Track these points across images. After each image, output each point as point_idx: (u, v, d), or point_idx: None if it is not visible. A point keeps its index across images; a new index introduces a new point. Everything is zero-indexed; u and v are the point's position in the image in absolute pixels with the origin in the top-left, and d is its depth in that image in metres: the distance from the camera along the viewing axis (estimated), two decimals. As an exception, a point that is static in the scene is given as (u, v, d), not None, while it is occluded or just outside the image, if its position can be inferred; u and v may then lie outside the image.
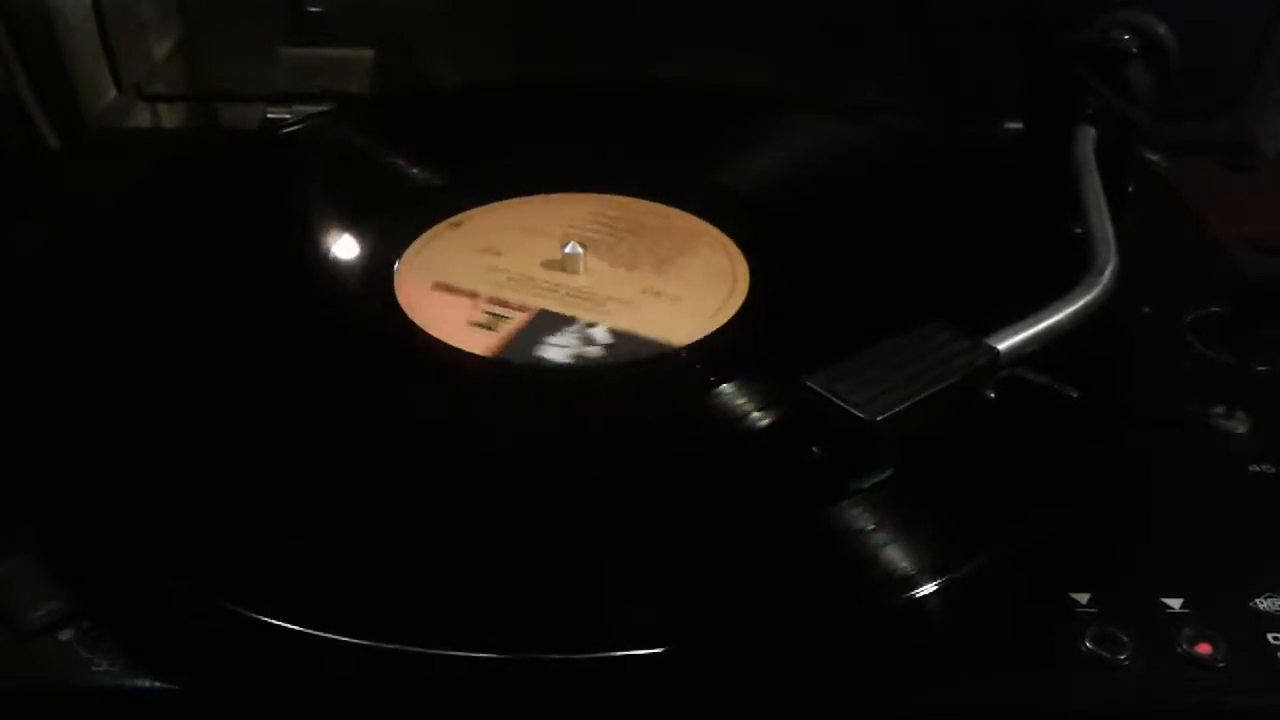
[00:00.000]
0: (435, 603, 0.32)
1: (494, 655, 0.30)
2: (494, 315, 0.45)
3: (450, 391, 0.42)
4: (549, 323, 0.44)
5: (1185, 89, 0.53)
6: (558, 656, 0.30)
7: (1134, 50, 0.52)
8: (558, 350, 0.43)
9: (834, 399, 0.35)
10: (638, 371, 0.42)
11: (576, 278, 0.47)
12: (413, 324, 0.44)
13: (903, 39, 0.68)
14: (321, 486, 0.36)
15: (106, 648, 0.33)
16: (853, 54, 0.68)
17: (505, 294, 0.46)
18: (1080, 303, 0.40)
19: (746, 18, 0.68)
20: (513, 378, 0.42)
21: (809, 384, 0.35)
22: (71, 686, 0.32)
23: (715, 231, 0.50)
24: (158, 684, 0.32)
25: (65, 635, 0.33)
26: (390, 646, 0.30)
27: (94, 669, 0.32)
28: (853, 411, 0.34)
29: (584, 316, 0.45)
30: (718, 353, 0.43)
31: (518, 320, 0.44)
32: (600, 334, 0.44)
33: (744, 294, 0.46)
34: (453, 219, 0.51)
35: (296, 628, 0.30)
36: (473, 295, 0.46)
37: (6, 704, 0.32)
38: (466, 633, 0.30)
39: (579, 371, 0.42)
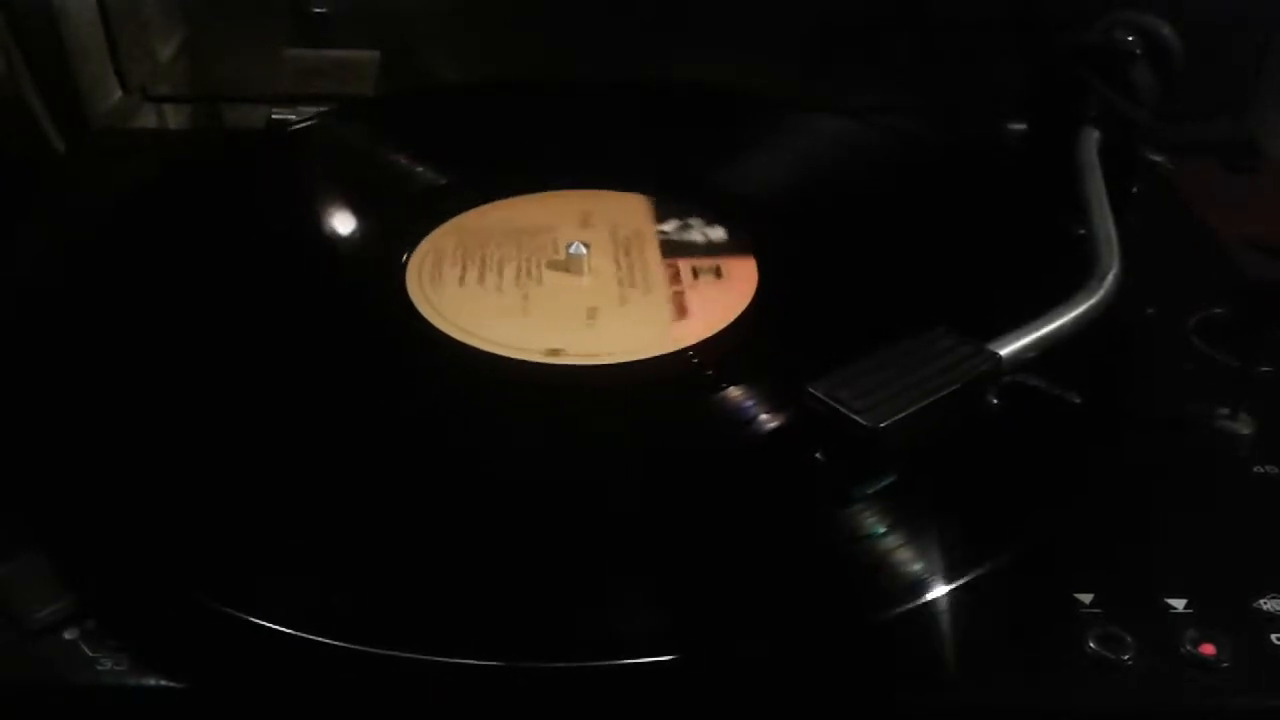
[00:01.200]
0: (433, 609, 0.32)
1: (496, 663, 0.30)
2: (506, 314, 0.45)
3: (463, 391, 0.42)
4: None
5: (1188, 90, 0.53)
6: (561, 665, 0.30)
7: (1137, 51, 0.52)
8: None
9: (837, 406, 0.35)
10: (642, 375, 0.42)
11: (581, 278, 0.47)
12: (426, 321, 0.44)
13: (906, 40, 0.68)
14: (328, 490, 0.36)
15: (111, 647, 0.33)
16: (856, 55, 0.68)
17: (513, 293, 0.46)
18: (1083, 307, 0.40)
19: (749, 18, 0.68)
20: (524, 379, 0.42)
21: (811, 390, 0.35)
22: (76, 686, 0.32)
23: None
24: (162, 683, 0.32)
25: (70, 634, 0.33)
26: (396, 654, 0.30)
27: (98, 668, 0.32)
28: (855, 418, 0.34)
29: (590, 316, 0.45)
30: (722, 356, 0.43)
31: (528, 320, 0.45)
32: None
33: (752, 287, 0.46)
34: (458, 218, 0.51)
35: (300, 634, 0.30)
36: (483, 293, 0.46)
37: (11, 703, 0.33)
38: (465, 640, 0.30)
39: (585, 373, 0.42)
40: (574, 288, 0.47)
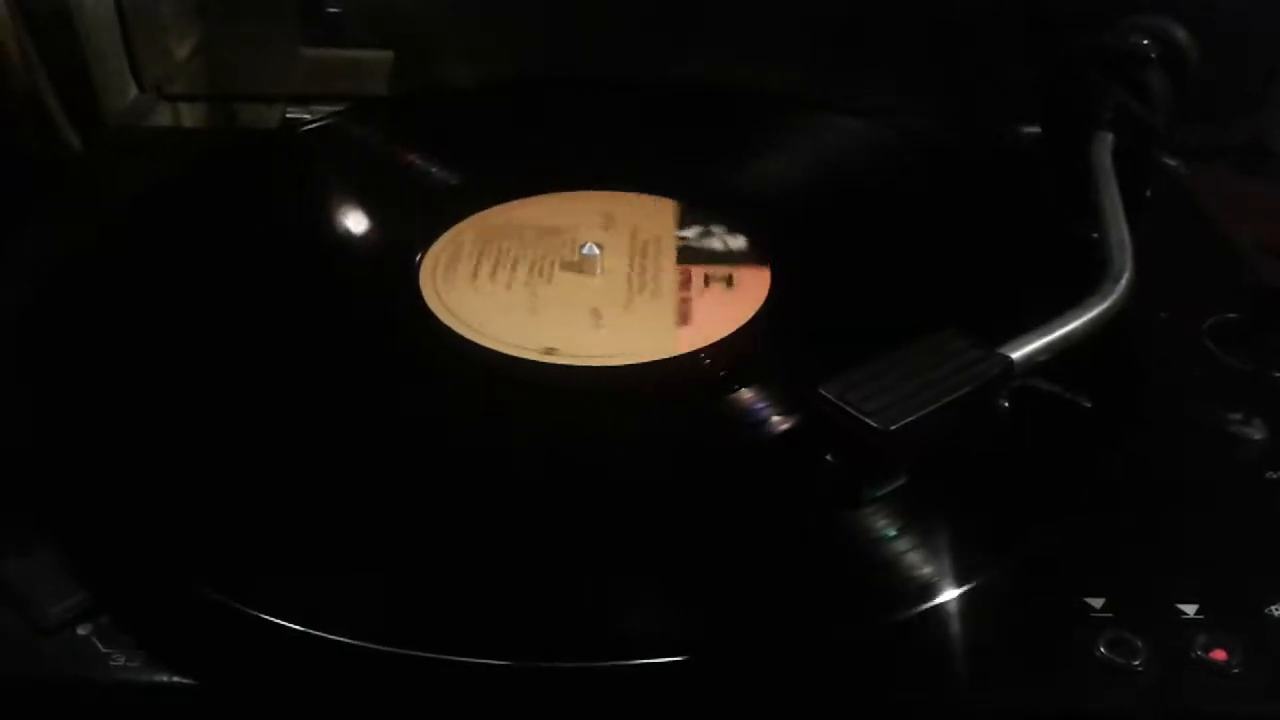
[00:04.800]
0: (446, 608, 0.32)
1: (506, 663, 0.30)
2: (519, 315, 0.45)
3: (477, 391, 0.42)
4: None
5: (1203, 93, 0.53)
6: (570, 665, 0.30)
7: (1152, 55, 0.52)
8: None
9: (847, 408, 0.35)
10: (653, 376, 0.42)
11: (594, 278, 0.47)
12: (440, 322, 0.44)
13: (920, 42, 0.68)
14: (341, 488, 0.36)
15: (125, 643, 0.33)
16: (869, 57, 0.68)
17: (526, 293, 0.46)
18: (1096, 311, 0.40)
19: (763, 18, 0.68)
20: (533, 378, 0.42)
21: (822, 392, 0.35)
22: (90, 681, 0.32)
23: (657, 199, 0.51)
24: (175, 679, 0.32)
25: (84, 630, 0.33)
26: (408, 652, 0.30)
27: (112, 664, 0.32)
28: (866, 421, 0.34)
29: (605, 316, 0.45)
30: (733, 358, 0.43)
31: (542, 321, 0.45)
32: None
33: (760, 299, 0.46)
34: (472, 218, 0.51)
35: (313, 631, 0.30)
36: (496, 294, 0.46)
37: (25, 698, 0.33)
38: (477, 640, 0.31)
39: (596, 373, 0.42)
40: (584, 288, 0.47)
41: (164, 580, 0.33)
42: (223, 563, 0.33)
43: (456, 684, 0.30)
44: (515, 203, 0.53)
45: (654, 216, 0.52)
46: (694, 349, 0.43)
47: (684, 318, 0.45)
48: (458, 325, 0.44)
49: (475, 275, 0.47)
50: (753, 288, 0.47)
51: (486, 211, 0.52)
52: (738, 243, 0.49)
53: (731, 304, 0.46)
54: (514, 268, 0.48)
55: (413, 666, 0.30)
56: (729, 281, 0.47)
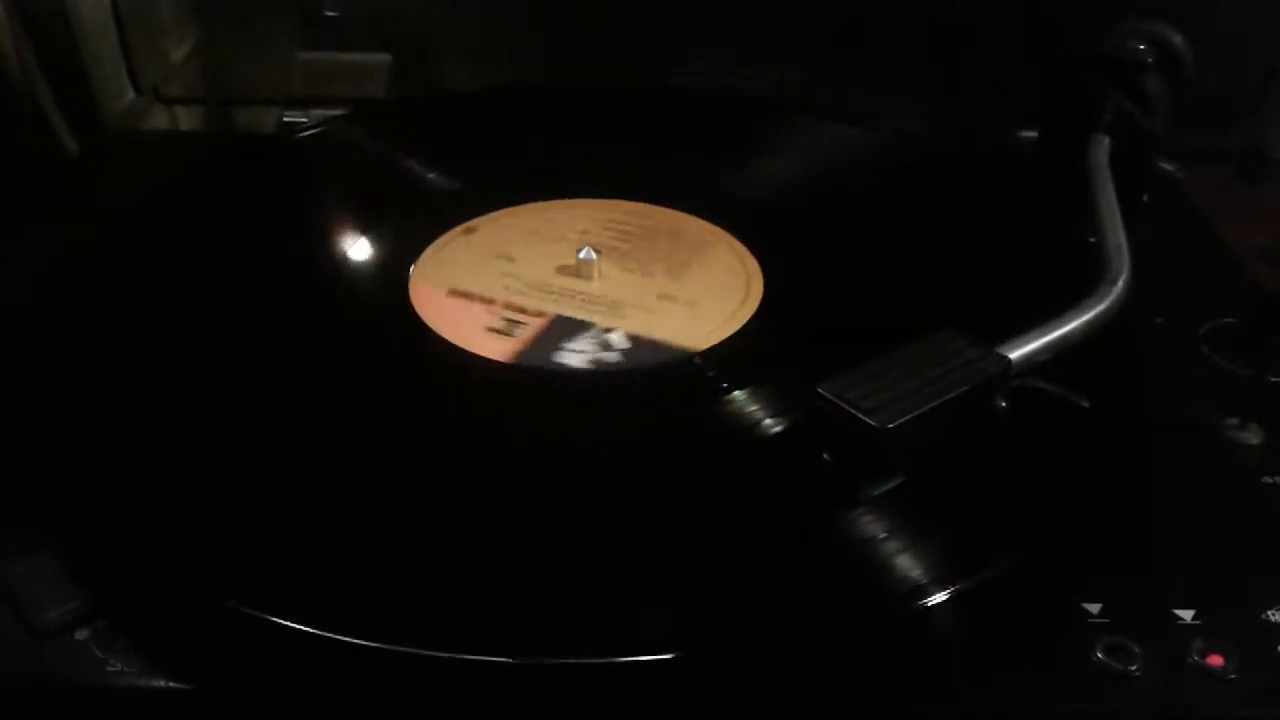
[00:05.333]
0: (445, 607, 0.32)
1: (505, 659, 0.30)
2: (511, 321, 0.45)
3: (465, 397, 0.42)
4: (565, 328, 0.44)
5: (1200, 98, 0.53)
6: (567, 661, 0.30)
7: (1150, 60, 0.52)
8: (576, 355, 0.43)
9: (845, 406, 0.35)
10: (651, 377, 0.42)
11: (591, 283, 0.47)
12: (428, 329, 0.44)
13: (920, 43, 0.68)
14: (337, 490, 0.36)
15: (122, 647, 0.33)
16: (869, 57, 0.68)
17: (521, 300, 0.46)
18: (1093, 312, 0.40)
19: (760, 23, 0.69)
20: (527, 383, 0.42)
21: (820, 391, 0.35)
22: (87, 686, 0.32)
23: (728, 237, 0.51)
24: (173, 684, 0.32)
25: (81, 635, 0.33)
26: (403, 650, 0.30)
27: (109, 669, 0.32)
28: (864, 419, 0.34)
29: (600, 322, 0.45)
30: (731, 359, 0.43)
31: (534, 326, 0.44)
32: (618, 339, 0.44)
33: (757, 300, 0.46)
34: (467, 224, 0.51)
35: (311, 630, 0.30)
36: (489, 301, 0.46)
37: (22, 703, 0.33)
38: (477, 636, 0.31)
39: (592, 377, 0.42)
40: (588, 292, 0.47)
41: (162, 584, 0.33)
42: (221, 566, 0.33)
43: (458, 683, 0.30)
44: (512, 209, 0.53)
45: (646, 220, 0.52)
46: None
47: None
48: (450, 329, 0.44)
49: (472, 278, 0.47)
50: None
51: (483, 216, 0.52)
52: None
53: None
54: (511, 272, 0.48)
55: (411, 665, 0.30)
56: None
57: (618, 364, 0.42)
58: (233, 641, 0.32)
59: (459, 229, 0.51)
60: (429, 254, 0.49)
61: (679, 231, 0.51)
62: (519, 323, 0.45)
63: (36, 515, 0.36)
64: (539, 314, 0.45)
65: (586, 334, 0.44)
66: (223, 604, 0.31)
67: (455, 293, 0.47)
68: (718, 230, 0.51)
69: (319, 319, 0.45)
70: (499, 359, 0.43)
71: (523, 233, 0.51)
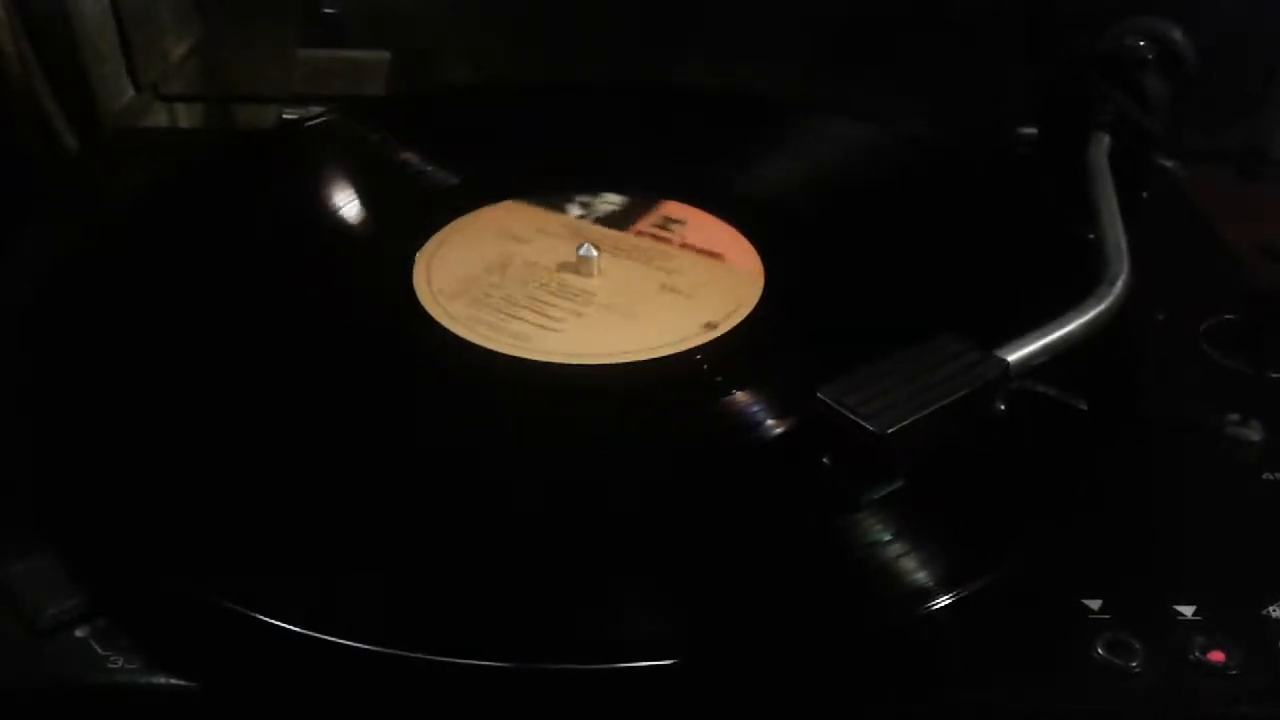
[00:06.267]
0: (445, 610, 0.32)
1: (500, 665, 0.30)
2: (507, 315, 0.45)
3: (467, 390, 0.42)
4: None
5: (1201, 96, 0.53)
6: (565, 667, 0.30)
7: (1150, 57, 0.52)
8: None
9: (844, 411, 0.35)
10: (650, 376, 0.42)
11: (590, 279, 0.47)
12: (431, 320, 0.44)
13: (918, 45, 0.68)
14: (339, 490, 0.36)
15: (122, 645, 0.33)
16: (869, 57, 0.68)
17: (519, 293, 0.46)
18: (1092, 313, 0.40)
19: (762, 22, 0.69)
20: (532, 379, 0.42)
21: (820, 395, 0.35)
22: (87, 684, 0.32)
23: (733, 233, 0.51)
24: (173, 681, 0.32)
25: (81, 632, 0.33)
26: (406, 654, 0.30)
27: (110, 666, 0.32)
28: (863, 424, 0.34)
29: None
30: (729, 360, 0.43)
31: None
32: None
33: (756, 299, 0.46)
34: (467, 216, 0.51)
35: (311, 633, 0.30)
36: (489, 294, 0.46)
37: (23, 701, 0.33)
38: (472, 641, 0.30)
39: (593, 375, 0.42)
40: (583, 289, 0.47)
41: (162, 582, 0.33)
42: (221, 565, 0.33)
43: (458, 686, 0.30)
44: (510, 203, 0.53)
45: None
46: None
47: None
48: (452, 324, 0.44)
49: (471, 275, 0.47)
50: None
51: (481, 211, 0.52)
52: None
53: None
54: (509, 268, 0.48)
55: (409, 668, 0.30)
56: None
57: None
58: (232, 640, 0.32)
59: (458, 222, 0.51)
60: (429, 247, 0.49)
61: (680, 228, 0.51)
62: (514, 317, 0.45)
63: (36, 515, 0.36)
64: (529, 305, 0.46)
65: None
66: (221, 603, 0.31)
67: (457, 284, 0.47)
68: (721, 223, 0.51)
69: (320, 314, 0.45)
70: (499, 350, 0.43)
71: (523, 228, 0.51)
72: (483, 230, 0.51)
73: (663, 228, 0.51)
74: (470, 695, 0.31)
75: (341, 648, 0.30)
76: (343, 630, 0.30)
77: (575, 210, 0.52)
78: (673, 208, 0.52)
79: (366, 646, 0.30)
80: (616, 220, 0.51)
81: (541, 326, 0.44)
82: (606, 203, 0.53)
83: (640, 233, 0.50)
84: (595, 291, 0.47)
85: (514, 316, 0.45)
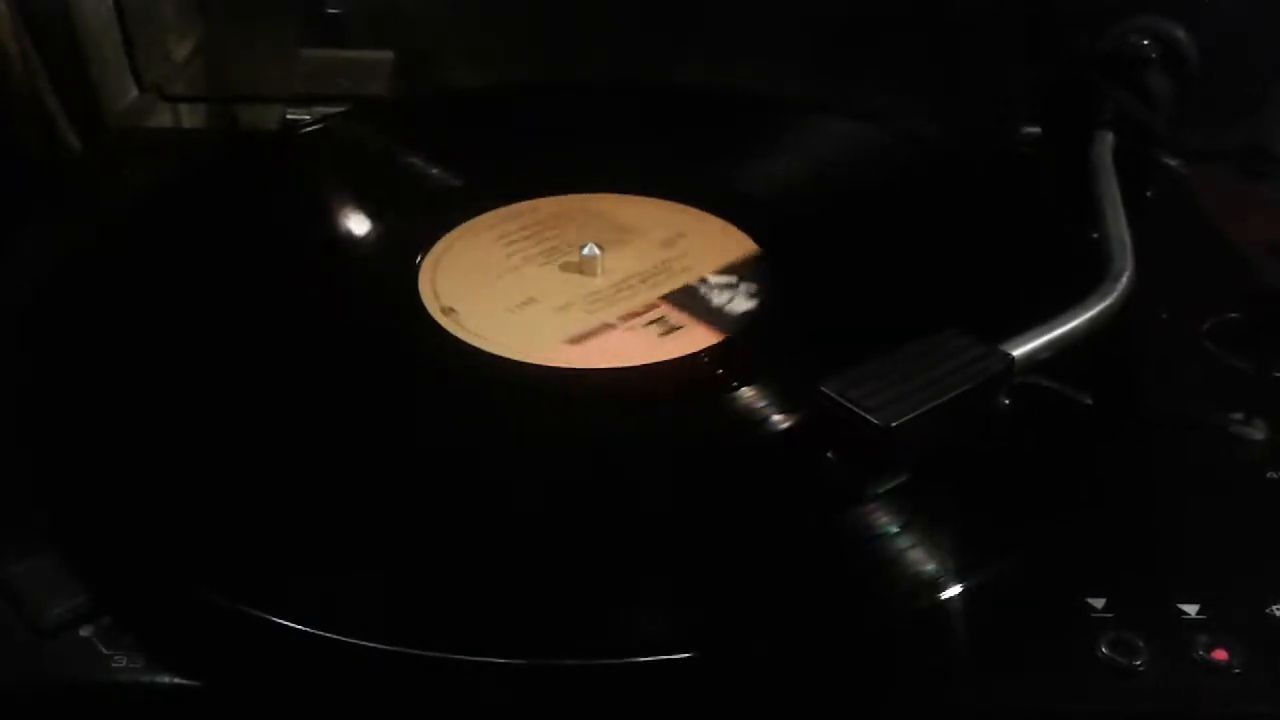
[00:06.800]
0: (451, 608, 0.32)
1: (508, 660, 0.30)
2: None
3: (473, 393, 0.42)
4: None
5: (1203, 94, 0.53)
6: (573, 662, 0.30)
7: (1153, 56, 0.52)
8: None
9: (848, 405, 0.35)
10: (653, 375, 0.42)
11: (594, 279, 0.47)
12: (436, 324, 0.44)
13: (920, 42, 0.68)
14: (341, 489, 0.36)
15: (126, 644, 0.33)
16: (869, 57, 0.68)
17: (532, 292, 0.46)
18: (1096, 309, 0.40)
19: (762, 22, 0.69)
20: (537, 381, 0.42)
21: (824, 389, 0.35)
22: (91, 683, 0.32)
23: (732, 230, 0.50)
24: (177, 680, 0.32)
25: (85, 631, 0.33)
26: (409, 651, 0.30)
27: (114, 665, 0.32)
28: (867, 417, 0.34)
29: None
30: (733, 356, 0.43)
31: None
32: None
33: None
34: (492, 212, 0.52)
35: (315, 631, 0.30)
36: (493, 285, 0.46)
37: (26, 700, 0.33)
38: (478, 637, 0.30)
39: (594, 374, 0.42)
40: (583, 289, 0.47)
41: (166, 581, 0.33)
42: (224, 563, 0.33)
43: (464, 684, 0.30)
44: (516, 205, 0.53)
45: (653, 223, 0.52)
46: (556, 364, 0.42)
47: (580, 338, 0.44)
48: (455, 328, 0.44)
49: (474, 277, 0.47)
50: (682, 344, 0.43)
51: (486, 214, 0.52)
52: (737, 305, 0.46)
53: (642, 345, 0.44)
54: (514, 270, 0.48)
55: (415, 666, 0.30)
56: (667, 329, 0.44)
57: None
58: (236, 639, 0.32)
59: (463, 225, 0.51)
60: (435, 250, 0.49)
61: (683, 230, 0.51)
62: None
63: (37, 515, 0.36)
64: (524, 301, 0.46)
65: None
66: (225, 602, 0.31)
67: (461, 288, 0.47)
68: (719, 222, 0.51)
69: (323, 316, 0.45)
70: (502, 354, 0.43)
71: (527, 229, 0.51)
72: (492, 231, 0.51)
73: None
74: (475, 693, 0.31)
75: (345, 645, 0.30)
76: (347, 629, 0.30)
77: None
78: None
79: (372, 645, 0.30)
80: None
81: (545, 328, 0.44)
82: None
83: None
84: (573, 290, 0.47)
85: (517, 317, 0.45)
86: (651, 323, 0.45)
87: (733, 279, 0.47)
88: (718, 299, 0.46)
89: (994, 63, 0.66)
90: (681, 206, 0.53)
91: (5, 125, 0.61)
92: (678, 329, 0.44)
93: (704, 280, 0.47)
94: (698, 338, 0.44)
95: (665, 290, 0.47)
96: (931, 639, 0.33)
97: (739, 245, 0.50)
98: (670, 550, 0.34)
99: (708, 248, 0.50)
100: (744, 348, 0.43)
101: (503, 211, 0.52)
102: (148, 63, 0.69)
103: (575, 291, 0.47)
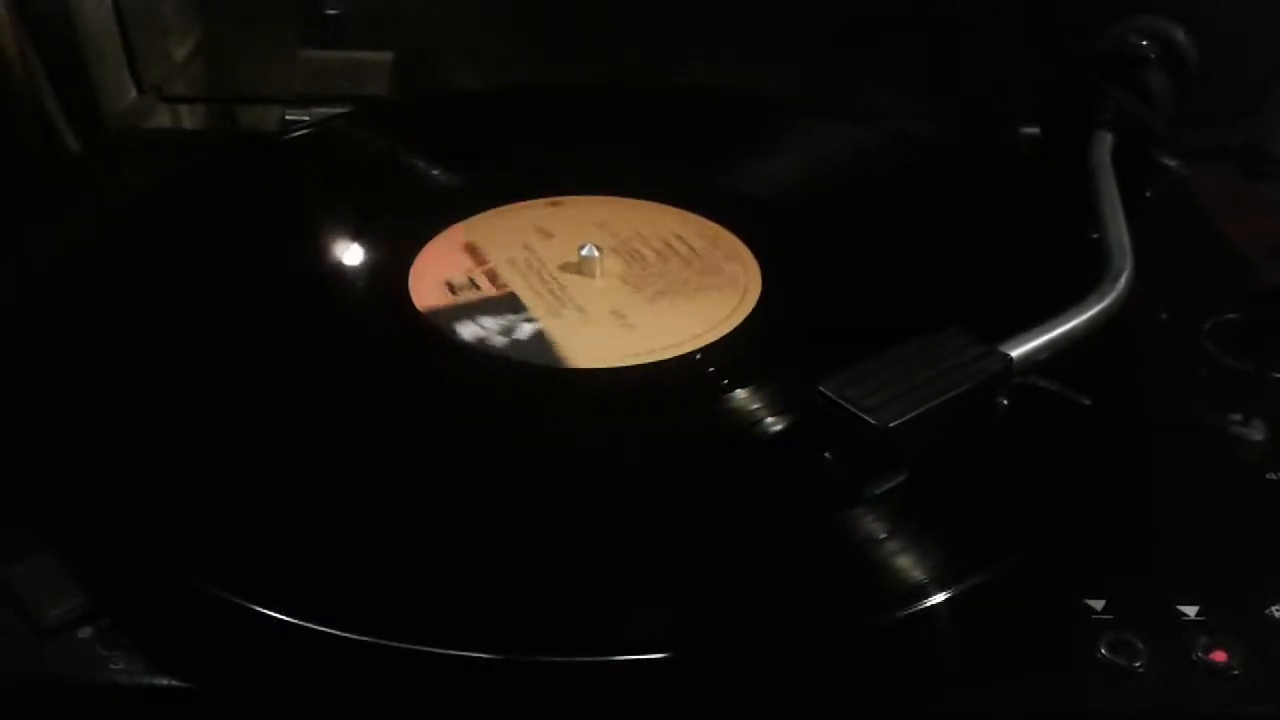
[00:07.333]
0: (450, 605, 0.32)
1: (497, 656, 0.30)
2: (471, 282, 0.46)
3: (464, 393, 0.42)
4: (500, 306, 0.45)
5: (1203, 94, 0.53)
6: (562, 659, 0.30)
7: (1152, 56, 0.52)
8: (472, 328, 0.44)
9: (846, 404, 0.35)
10: (649, 375, 0.42)
11: (592, 281, 0.47)
12: (425, 322, 0.44)
13: (920, 42, 0.68)
14: (336, 486, 0.36)
15: (125, 645, 0.33)
16: (869, 57, 0.68)
17: (505, 272, 0.47)
18: (1095, 309, 0.40)
19: (762, 22, 0.69)
20: (529, 380, 0.42)
21: (821, 389, 0.35)
22: (90, 684, 0.32)
23: (726, 234, 0.50)
24: (175, 682, 0.32)
25: (84, 633, 0.33)
26: (409, 647, 0.30)
27: (112, 666, 0.32)
28: (865, 417, 0.34)
29: (535, 312, 0.45)
30: (730, 357, 0.43)
31: (484, 293, 0.45)
32: (526, 330, 0.44)
33: (756, 298, 0.46)
34: (471, 220, 0.51)
35: (314, 627, 0.30)
36: (479, 262, 0.47)
37: (25, 701, 0.33)
38: (469, 633, 0.30)
39: (594, 374, 0.42)
40: (583, 289, 0.47)
41: (165, 582, 0.33)
42: (223, 563, 0.33)
43: (463, 680, 0.30)
44: (513, 206, 0.53)
45: (649, 222, 0.52)
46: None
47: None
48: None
49: (473, 277, 0.47)
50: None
51: (483, 214, 0.52)
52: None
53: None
54: (511, 270, 0.48)
55: (414, 661, 0.30)
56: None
57: (501, 349, 0.43)
58: (235, 640, 0.32)
59: (460, 225, 0.51)
60: (431, 250, 0.49)
61: (681, 233, 0.51)
62: (476, 286, 0.46)
63: (38, 513, 0.36)
64: (502, 286, 0.46)
65: (507, 316, 0.44)
66: (224, 602, 0.31)
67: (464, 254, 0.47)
68: (714, 227, 0.51)
69: (321, 315, 0.45)
70: (419, 309, 0.44)
71: (524, 230, 0.51)
72: (488, 232, 0.51)
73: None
74: (471, 688, 0.31)
75: (345, 643, 0.30)
76: (346, 626, 0.30)
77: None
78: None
79: (371, 640, 0.30)
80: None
81: (543, 329, 0.44)
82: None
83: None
84: (596, 293, 0.47)
85: (475, 284, 0.45)
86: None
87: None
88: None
89: (994, 63, 0.66)
90: (677, 211, 0.53)
91: (5, 125, 0.61)
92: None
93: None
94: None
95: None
96: (931, 640, 0.33)
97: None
98: (665, 551, 0.34)
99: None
100: (741, 346, 0.43)
101: (502, 211, 0.52)
102: (147, 63, 0.69)
103: (584, 289, 0.47)
